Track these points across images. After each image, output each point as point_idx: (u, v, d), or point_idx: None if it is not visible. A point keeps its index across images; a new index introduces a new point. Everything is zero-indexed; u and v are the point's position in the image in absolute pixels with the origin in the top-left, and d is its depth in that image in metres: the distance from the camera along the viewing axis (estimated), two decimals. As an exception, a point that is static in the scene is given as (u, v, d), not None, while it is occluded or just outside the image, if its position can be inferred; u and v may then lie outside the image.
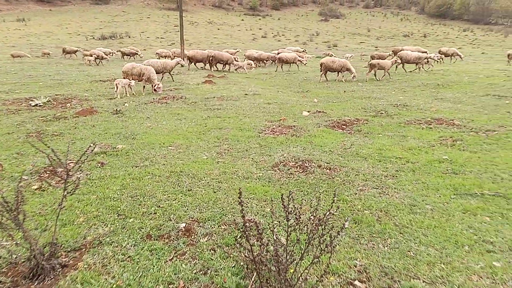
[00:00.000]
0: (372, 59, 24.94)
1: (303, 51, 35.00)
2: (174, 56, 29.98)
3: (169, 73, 18.06)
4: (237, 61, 24.85)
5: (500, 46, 56.13)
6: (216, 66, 24.54)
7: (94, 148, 4.21)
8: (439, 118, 9.94)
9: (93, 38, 58.42)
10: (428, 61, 21.98)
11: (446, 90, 14.52)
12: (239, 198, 2.80)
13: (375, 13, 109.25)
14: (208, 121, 10.12)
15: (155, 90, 14.55)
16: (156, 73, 17.05)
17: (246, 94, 14.24)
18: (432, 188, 5.60)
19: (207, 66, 24.37)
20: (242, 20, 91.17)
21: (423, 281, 3.39)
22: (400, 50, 25.28)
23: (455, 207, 4.93)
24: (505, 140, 7.83)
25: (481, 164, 6.55)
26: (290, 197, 3.15)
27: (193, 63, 24.63)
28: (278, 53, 29.76)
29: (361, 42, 64.36)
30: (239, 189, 2.95)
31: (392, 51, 27.03)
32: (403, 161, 6.79)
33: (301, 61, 25.86)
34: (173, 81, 17.99)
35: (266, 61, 28.78)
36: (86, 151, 3.84)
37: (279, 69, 24.91)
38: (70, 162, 6.25)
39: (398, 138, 8.41)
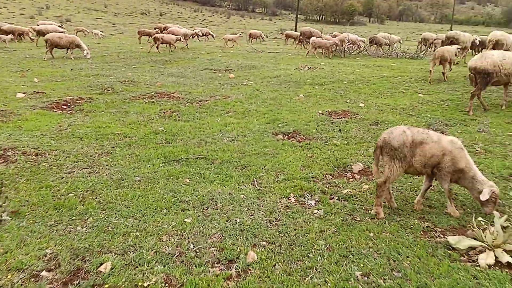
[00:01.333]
0: (140, 34, 25.95)
1: (60, 26, 31.05)
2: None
3: None
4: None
5: (224, 26, 63.90)
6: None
7: None
8: (162, 92, 10.43)
9: None
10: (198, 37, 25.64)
11: (173, 66, 15.41)
12: None
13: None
14: None
15: None
16: None
17: None
18: (144, 159, 5.79)
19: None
20: None
21: (115, 254, 3.42)
22: (164, 28, 25.92)
23: (161, 174, 5.24)
24: (213, 108, 8.91)
25: (191, 131, 7.22)
26: None
27: None
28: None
29: (97, 18, 60.78)
30: None
31: (156, 28, 27.29)
32: (120, 137, 6.78)
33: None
34: None
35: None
36: None
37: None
38: None
39: (120, 114, 8.35)
